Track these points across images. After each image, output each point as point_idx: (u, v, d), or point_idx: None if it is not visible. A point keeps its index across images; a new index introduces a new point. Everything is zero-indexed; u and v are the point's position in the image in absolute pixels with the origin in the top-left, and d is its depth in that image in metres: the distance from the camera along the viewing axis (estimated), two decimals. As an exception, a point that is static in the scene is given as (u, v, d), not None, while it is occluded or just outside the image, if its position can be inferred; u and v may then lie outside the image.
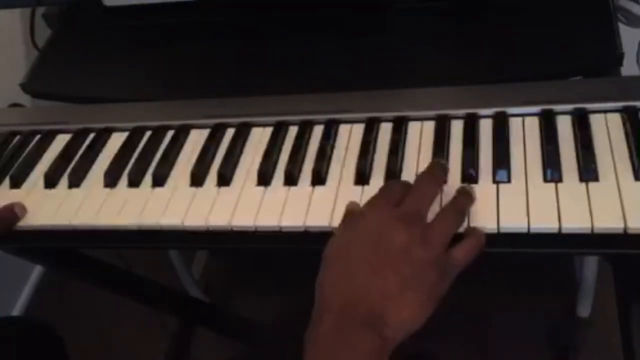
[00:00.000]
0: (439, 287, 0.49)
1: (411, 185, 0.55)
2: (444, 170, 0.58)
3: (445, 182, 0.58)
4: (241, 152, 0.68)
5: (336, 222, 0.58)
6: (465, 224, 0.54)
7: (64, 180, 0.70)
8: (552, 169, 0.57)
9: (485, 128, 0.63)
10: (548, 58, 0.70)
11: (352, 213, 0.55)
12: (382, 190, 0.55)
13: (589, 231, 0.53)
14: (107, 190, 0.67)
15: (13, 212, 0.66)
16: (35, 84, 0.85)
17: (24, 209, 0.66)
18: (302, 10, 0.82)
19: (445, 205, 0.54)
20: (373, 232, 0.51)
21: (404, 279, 0.48)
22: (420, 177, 0.56)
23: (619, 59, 0.68)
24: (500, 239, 0.55)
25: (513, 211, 0.55)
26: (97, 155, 0.72)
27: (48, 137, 0.76)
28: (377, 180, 0.61)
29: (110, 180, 0.68)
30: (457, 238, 0.52)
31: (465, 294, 1.30)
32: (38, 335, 0.88)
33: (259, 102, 0.72)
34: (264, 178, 0.64)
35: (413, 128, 0.65)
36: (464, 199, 0.55)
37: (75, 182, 0.69)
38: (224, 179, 0.65)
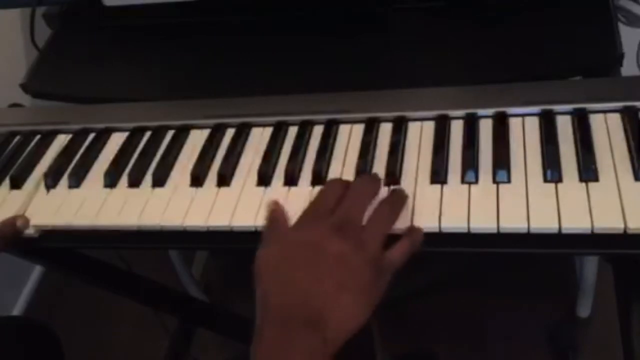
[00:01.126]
0: (376, 286, 0.51)
1: (346, 189, 0.56)
2: (377, 178, 0.59)
3: (379, 186, 0.58)
4: (241, 152, 0.68)
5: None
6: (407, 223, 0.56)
7: (64, 181, 0.70)
8: (552, 169, 0.57)
9: (485, 128, 0.63)
10: (548, 58, 0.71)
11: (277, 222, 0.56)
12: (317, 198, 0.56)
13: (588, 231, 0.53)
14: (107, 190, 0.67)
15: (15, 227, 0.64)
16: (35, 84, 0.85)
17: (26, 222, 0.65)
18: (303, 11, 0.82)
19: (378, 207, 0.55)
20: (307, 244, 0.51)
21: (341, 282, 0.49)
22: (354, 181, 0.58)
23: (619, 59, 0.68)
24: (500, 239, 0.55)
25: (513, 211, 0.55)
26: (97, 155, 0.72)
27: (48, 137, 0.76)
28: (377, 181, 0.61)
29: (111, 180, 0.68)
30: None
31: (465, 294, 1.31)
32: (35, 335, 0.88)
33: (259, 102, 0.72)
34: (264, 178, 0.64)
35: (413, 128, 0.65)
36: (396, 199, 0.57)
37: (75, 182, 0.69)
38: (224, 179, 0.65)
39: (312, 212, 0.55)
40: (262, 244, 0.54)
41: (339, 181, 0.59)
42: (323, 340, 0.47)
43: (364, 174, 0.61)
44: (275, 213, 0.57)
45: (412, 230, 0.55)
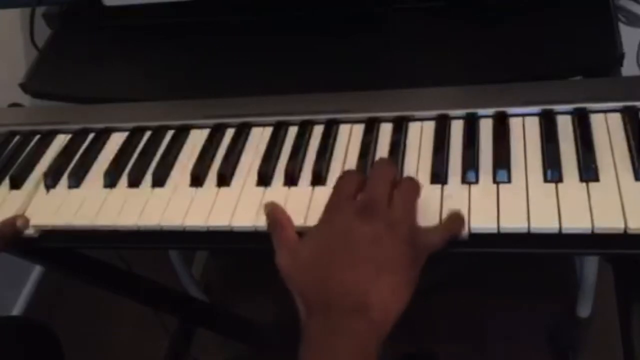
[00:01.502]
0: (414, 263, 0.51)
1: (362, 176, 0.56)
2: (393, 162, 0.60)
3: (397, 169, 0.59)
4: (241, 152, 0.68)
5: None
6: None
7: (63, 181, 0.69)
8: (552, 169, 0.57)
9: (486, 128, 0.63)
10: (548, 58, 0.70)
11: (280, 224, 0.56)
12: (336, 187, 0.56)
13: (589, 231, 0.52)
14: (107, 190, 0.67)
15: (15, 227, 0.64)
16: (35, 84, 0.85)
17: (26, 222, 0.65)
18: (302, 10, 0.82)
19: (399, 186, 0.54)
20: (336, 235, 0.52)
21: (377, 263, 0.49)
22: (376, 163, 0.59)
23: (619, 59, 0.68)
24: (501, 239, 0.54)
25: (513, 211, 0.55)
26: (96, 155, 0.72)
27: (48, 137, 0.76)
28: (377, 181, 0.61)
29: (110, 180, 0.68)
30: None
31: (465, 294, 1.31)
32: (35, 335, 0.88)
33: (259, 102, 0.72)
34: (264, 178, 0.64)
35: (413, 128, 0.65)
36: (412, 179, 0.56)
37: (75, 182, 0.69)
38: (224, 179, 0.65)
39: (333, 202, 0.54)
40: (276, 251, 0.54)
41: (353, 171, 0.59)
42: (371, 323, 0.47)
43: (381, 158, 0.60)
44: (275, 215, 0.57)
45: (454, 216, 0.54)
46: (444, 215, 0.56)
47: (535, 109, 0.63)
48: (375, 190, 0.53)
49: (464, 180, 0.58)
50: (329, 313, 0.48)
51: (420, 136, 0.64)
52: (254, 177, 0.64)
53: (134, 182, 0.67)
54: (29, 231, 0.65)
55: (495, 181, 0.58)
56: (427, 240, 0.52)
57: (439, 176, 0.59)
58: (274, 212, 0.57)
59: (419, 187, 0.55)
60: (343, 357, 0.47)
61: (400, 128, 0.65)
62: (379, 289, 0.48)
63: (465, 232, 0.54)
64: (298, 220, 0.59)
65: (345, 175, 0.57)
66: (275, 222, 0.56)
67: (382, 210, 0.52)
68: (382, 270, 0.49)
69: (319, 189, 0.62)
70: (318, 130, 0.68)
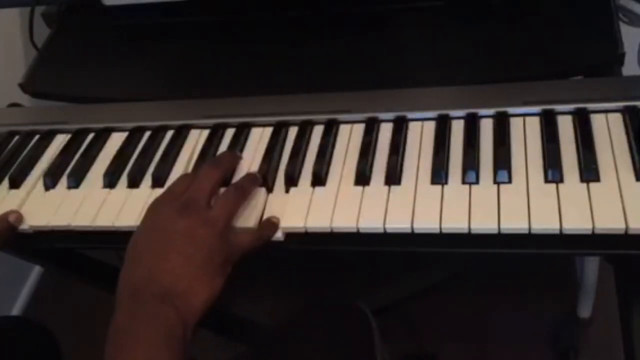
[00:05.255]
0: (224, 257, 0.55)
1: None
2: (232, 159, 0.65)
3: (232, 168, 0.64)
4: (241, 152, 0.68)
5: (336, 222, 0.58)
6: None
7: (63, 181, 0.69)
8: (553, 169, 0.57)
9: (486, 128, 0.63)
10: (549, 58, 0.70)
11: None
12: (168, 187, 0.60)
13: (589, 232, 0.52)
14: (107, 190, 0.67)
15: (8, 223, 0.64)
16: (34, 84, 0.85)
17: (19, 218, 0.65)
18: (302, 11, 0.82)
19: (226, 189, 0.60)
20: (156, 224, 0.56)
21: (189, 256, 0.53)
22: (204, 163, 0.64)
23: (620, 58, 0.68)
24: (501, 240, 0.54)
25: (514, 212, 0.55)
26: (96, 155, 0.72)
27: (47, 137, 0.75)
28: (377, 181, 0.61)
29: (110, 180, 0.68)
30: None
31: (466, 294, 1.31)
32: (34, 335, 0.88)
33: (259, 102, 0.72)
34: (264, 179, 0.63)
35: (413, 128, 0.65)
36: (247, 180, 0.62)
37: (74, 182, 0.69)
38: (224, 179, 0.64)
39: (160, 199, 0.59)
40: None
41: (188, 174, 0.64)
42: (176, 310, 0.51)
43: (209, 160, 0.66)
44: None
45: (268, 222, 0.59)
46: (444, 215, 0.56)
47: (536, 109, 0.63)
48: (196, 190, 0.58)
49: (464, 181, 0.58)
50: (135, 299, 0.52)
51: (420, 136, 0.64)
52: (253, 177, 0.64)
53: (134, 182, 0.67)
54: (24, 226, 0.65)
55: (495, 181, 0.58)
56: (240, 240, 0.57)
57: (439, 176, 0.59)
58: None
59: (245, 190, 0.60)
60: (144, 342, 0.49)
61: (400, 128, 0.65)
62: (186, 279, 0.53)
63: (279, 234, 0.59)
64: (298, 221, 0.59)
65: (179, 177, 0.62)
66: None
67: (200, 208, 0.56)
68: (191, 262, 0.53)
69: (319, 189, 0.61)
70: (318, 130, 0.67)
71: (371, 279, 1.30)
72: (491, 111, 0.64)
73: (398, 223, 0.56)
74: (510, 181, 0.57)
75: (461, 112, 0.65)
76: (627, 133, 0.59)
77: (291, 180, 0.63)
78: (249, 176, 0.63)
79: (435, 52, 0.75)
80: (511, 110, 0.64)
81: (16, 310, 1.51)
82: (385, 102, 0.68)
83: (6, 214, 0.65)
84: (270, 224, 0.59)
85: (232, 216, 0.58)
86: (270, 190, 0.63)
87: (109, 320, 0.53)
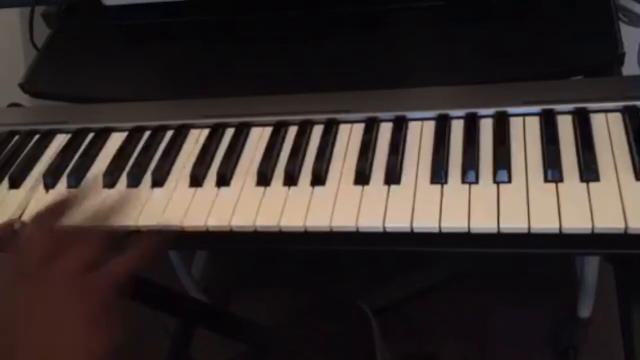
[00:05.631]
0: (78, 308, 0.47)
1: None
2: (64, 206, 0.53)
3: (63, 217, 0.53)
4: (241, 152, 0.68)
5: (336, 222, 0.58)
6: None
7: (63, 181, 0.69)
8: (552, 169, 0.57)
9: (486, 128, 0.63)
10: (549, 57, 0.70)
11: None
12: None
13: (589, 231, 0.52)
14: (106, 190, 0.67)
15: (12, 228, 0.62)
16: (34, 84, 0.85)
17: (23, 225, 0.63)
18: (302, 10, 0.82)
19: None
20: None
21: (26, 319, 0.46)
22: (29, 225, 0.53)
23: (620, 58, 0.68)
24: (501, 239, 0.54)
25: (513, 211, 0.55)
26: (96, 155, 0.72)
27: (47, 137, 0.75)
28: (377, 180, 0.61)
29: (109, 180, 0.68)
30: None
31: (465, 294, 1.31)
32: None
33: (259, 102, 0.72)
34: (264, 178, 0.63)
35: (413, 128, 0.65)
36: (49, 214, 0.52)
37: (74, 182, 0.69)
38: (224, 179, 0.65)
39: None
40: None
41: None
42: None
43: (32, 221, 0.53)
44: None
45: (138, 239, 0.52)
46: (444, 215, 0.56)
47: (536, 108, 0.63)
48: (27, 256, 0.49)
49: (464, 180, 0.58)
50: None
51: (420, 136, 0.64)
52: (253, 177, 0.64)
53: (134, 183, 0.67)
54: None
55: (495, 181, 0.58)
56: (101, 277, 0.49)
57: (439, 176, 0.59)
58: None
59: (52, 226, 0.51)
60: None
61: (400, 128, 0.65)
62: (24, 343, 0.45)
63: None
64: (298, 221, 0.59)
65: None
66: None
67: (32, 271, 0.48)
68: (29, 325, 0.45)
69: (318, 189, 0.61)
70: (318, 130, 0.67)
71: (371, 279, 1.30)
72: (491, 111, 0.64)
73: (398, 222, 0.56)
74: (509, 181, 0.57)
75: (461, 112, 0.65)
76: (627, 133, 0.59)
77: (291, 180, 0.63)
78: (51, 209, 0.52)
79: (435, 52, 0.75)
80: (511, 110, 0.64)
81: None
82: (384, 101, 0.68)
83: (12, 222, 0.64)
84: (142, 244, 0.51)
85: (87, 265, 0.49)
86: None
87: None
